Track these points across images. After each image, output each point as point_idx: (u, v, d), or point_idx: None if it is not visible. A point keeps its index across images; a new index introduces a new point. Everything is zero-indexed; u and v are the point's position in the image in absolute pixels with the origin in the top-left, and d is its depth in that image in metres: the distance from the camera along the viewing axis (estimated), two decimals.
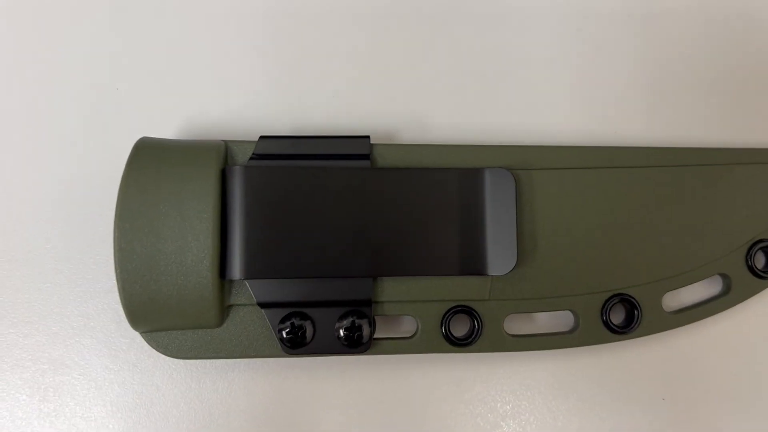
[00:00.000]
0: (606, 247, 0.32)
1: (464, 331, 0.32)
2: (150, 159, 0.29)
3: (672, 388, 0.34)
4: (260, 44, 0.35)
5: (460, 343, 0.31)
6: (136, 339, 0.32)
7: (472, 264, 0.30)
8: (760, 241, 0.33)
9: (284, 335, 0.30)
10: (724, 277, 0.33)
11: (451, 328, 0.31)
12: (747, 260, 0.33)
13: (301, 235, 0.29)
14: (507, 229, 0.30)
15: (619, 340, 0.32)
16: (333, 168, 0.30)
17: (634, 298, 0.32)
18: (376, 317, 0.31)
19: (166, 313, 0.29)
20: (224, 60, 0.35)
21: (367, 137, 0.31)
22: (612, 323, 0.32)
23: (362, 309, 0.30)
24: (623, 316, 0.33)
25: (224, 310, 0.30)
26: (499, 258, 0.30)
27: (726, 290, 0.33)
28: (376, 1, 0.36)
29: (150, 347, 0.30)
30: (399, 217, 0.30)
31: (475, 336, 0.31)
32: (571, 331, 0.32)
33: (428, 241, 0.30)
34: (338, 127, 0.34)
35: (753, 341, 0.34)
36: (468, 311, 0.31)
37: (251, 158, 0.30)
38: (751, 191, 0.33)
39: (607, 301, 0.32)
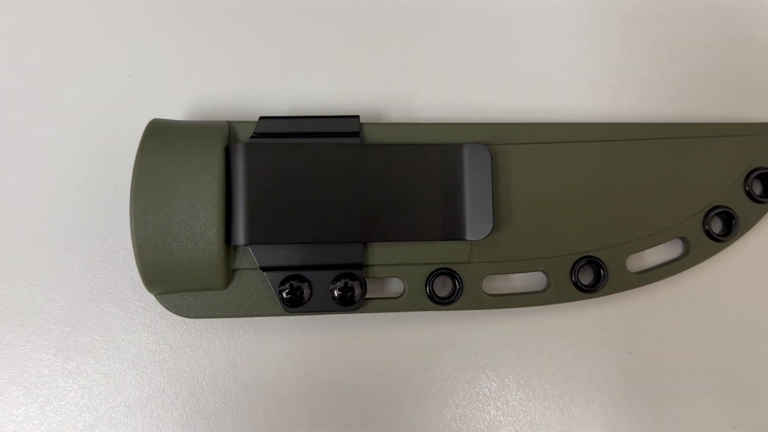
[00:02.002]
0: (575, 213, 0.35)
1: (447, 291, 0.35)
2: (161, 138, 0.32)
3: (637, 343, 0.37)
4: (260, 33, 0.38)
5: (443, 302, 0.34)
6: (150, 303, 0.35)
7: (453, 230, 0.33)
8: (716, 207, 0.36)
9: (284, 296, 0.33)
10: (684, 240, 0.36)
11: (434, 289, 0.34)
12: (704, 225, 0.36)
13: (297, 205, 0.33)
14: (484, 198, 0.33)
15: (587, 298, 0.35)
16: (326, 145, 0.33)
17: (600, 260, 0.35)
18: (367, 279, 0.34)
19: (178, 276, 0.32)
20: (228, 48, 0.38)
21: (357, 117, 0.34)
22: (581, 283, 0.35)
23: (354, 272, 0.33)
24: (591, 277, 0.36)
25: (230, 273, 0.33)
26: (477, 224, 0.33)
27: (685, 253, 0.36)
28: None
29: (163, 308, 0.33)
30: (386, 189, 0.33)
31: (457, 295, 0.34)
32: (543, 291, 0.36)
33: (413, 209, 0.33)
34: (332, 108, 0.37)
35: (710, 299, 0.37)
36: (450, 273, 0.34)
37: (252, 136, 0.34)
38: (707, 162, 0.36)
39: (576, 262, 0.35)
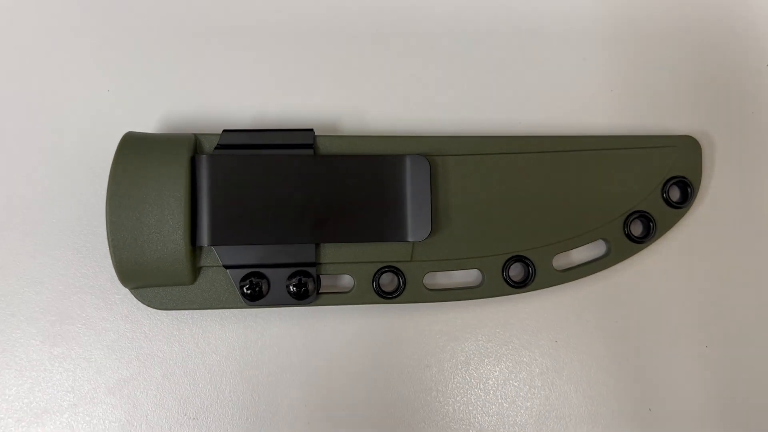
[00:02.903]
0: (506, 217, 0.39)
1: (392, 287, 0.39)
2: (134, 150, 0.36)
3: (563, 333, 0.41)
4: (226, 52, 0.42)
5: (388, 296, 0.38)
6: (127, 295, 0.39)
7: (396, 232, 0.37)
8: (636, 212, 0.40)
9: (245, 290, 0.37)
10: (606, 241, 0.40)
11: (381, 284, 0.38)
12: (624, 228, 0.40)
13: (256, 210, 0.36)
14: (423, 204, 0.37)
15: (517, 293, 0.39)
16: (282, 156, 0.37)
17: (529, 259, 0.39)
18: (320, 276, 0.38)
19: (149, 273, 0.36)
20: (197, 66, 0.42)
21: (311, 130, 0.38)
22: (511, 279, 0.39)
23: (308, 269, 0.37)
24: (521, 274, 0.40)
25: (196, 270, 0.37)
26: (418, 227, 0.37)
27: (607, 252, 0.40)
28: (325, 17, 0.43)
29: (137, 301, 0.37)
30: (336, 195, 0.37)
31: (400, 290, 0.38)
32: (478, 286, 0.39)
33: (360, 214, 0.37)
34: (291, 121, 0.41)
35: (629, 295, 0.42)
36: (394, 270, 0.38)
37: (216, 148, 0.37)
38: (629, 171, 0.40)
39: (507, 261, 0.39)
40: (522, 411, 0.41)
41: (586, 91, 0.43)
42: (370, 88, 0.42)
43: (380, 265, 0.38)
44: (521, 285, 0.39)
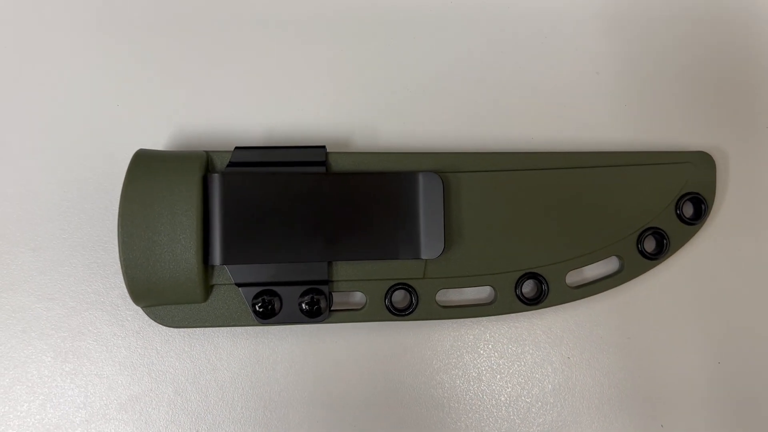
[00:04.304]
0: (519, 233, 0.39)
1: (404, 304, 0.39)
2: (145, 168, 0.36)
3: (575, 349, 0.41)
4: (237, 67, 0.42)
5: (401, 313, 0.38)
6: (138, 312, 0.39)
7: (409, 250, 0.37)
8: (650, 228, 0.40)
9: (257, 308, 0.37)
10: (619, 258, 0.40)
11: (393, 301, 0.38)
12: (638, 244, 0.40)
13: (268, 228, 0.36)
14: (436, 221, 0.37)
15: (530, 310, 0.39)
16: (295, 173, 0.37)
17: (542, 276, 0.39)
18: (333, 293, 0.38)
19: (161, 291, 0.36)
20: (208, 81, 0.42)
21: (323, 147, 0.38)
22: (524, 296, 0.39)
23: (320, 287, 0.37)
24: (534, 290, 0.40)
25: (208, 288, 0.37)
26: (430, 244, 0.37)
27: (620, 269, 0.40)
28: (334, 30, 0.42)
29: (149, 319, 0.37)
30: (349, 213, 0.37)
31: (413, 308, 0.38)
32: (491, 303, 0.39)
33: (372, 231, 0.37)
34: (303, 137, 0.41)
35: (642, 312, 0.41)
36: (407, 287, 0.38)
37: (228, 165, 0.37)
38: (642, 187, 0.40)
39: (520, 278, 0.39)
40: (534, 427, 0.41)
41: (599, 105, 0.42)
42: (383, 104, 0.42)
43: (393, 282, 0.38)
44: (534, 302, 0.39)
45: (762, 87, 0.43)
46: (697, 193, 0.40)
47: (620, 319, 0.41)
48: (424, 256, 0.37)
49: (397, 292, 0.38)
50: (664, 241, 0.40)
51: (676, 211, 0.40)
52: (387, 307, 0.38)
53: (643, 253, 0.40)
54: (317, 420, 0.40)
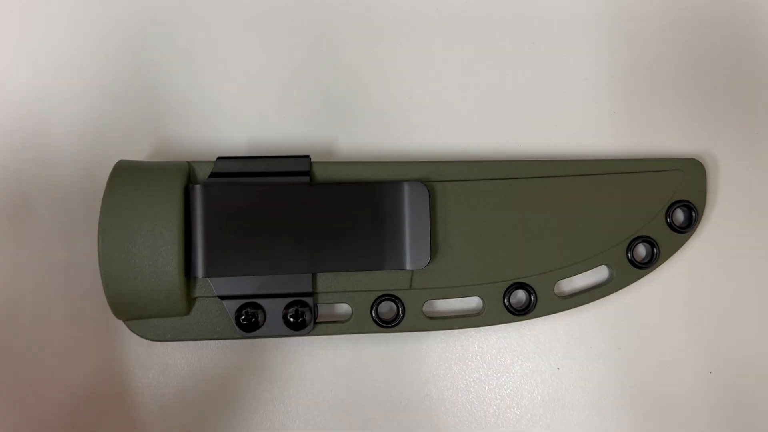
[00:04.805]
0: (507, 243, 0.38)
1: (390, 315, 0.38)
2: (126, 180, 0.35)
3: (565, 360, 0.40)
4: (219, 76, 0.41)
5: (387, 325, 0.38)
6: (121, 325, 0.38)
7: (395, 260, 0.37)
8: (639, 237, 0.39)
9: (240, 321, 0.36)
10: (609, 267, 0.40)
11: (379, 313, 0.38)
12: (627, 253, 0.39)
13: (252, 240, 0.36)
14: (422, 231, 0.37)
15: (518, 321, 0.39)
16: (278, 184, 0.36)
17: (530, 286, 0.38)
18: (318, 305, 0.37)
19: (142, 305, 0.35)
20: (190, 91, 0.41)
21: (307, 156, 0.37)
22: (512, 307, 0.38)
23: (305, 299, 0.37)
24: (523, 300, 0.39)
25: (190, 301, 0.36)
26: (417, 255, 0.37)
27: (610, 279, 0.40)
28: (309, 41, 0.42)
29: (132, 332, 0.37)
30: (333, 224, 0.36)
31: (399, 319, 0.38)
32: (478, 314, 0.39)
33: (358, 242, 0.36)
34: (286, 146, 0.41)
35: (631, 321, 0.41)
36: (393, 299, 0.38)
37: (210, 176, 0.37)
38: (632, 195, 0.39)
39: (508, 288, 0.38)
40: None
41: (587, 112, 0.42)
42: (368, 112, 0.41)
43: (379, 294, 0.38)
44: (522, 312, 0.38)
45: (752, 92, 0.43)
46: (688, 201, 0.39)
47: (610, 328, 0.41)
48: (410, 267, 0.37)
49: (383, 304, 0.38)
50: (654, 250, 0.39)
51: (666, 219, 0.39)
52: (373, 319, 0.38)
53: (632, 262, 0.39)
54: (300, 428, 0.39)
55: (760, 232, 0.42)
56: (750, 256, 0.41)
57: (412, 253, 0.37)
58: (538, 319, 0.39)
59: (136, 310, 0.35)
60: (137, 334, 0.37)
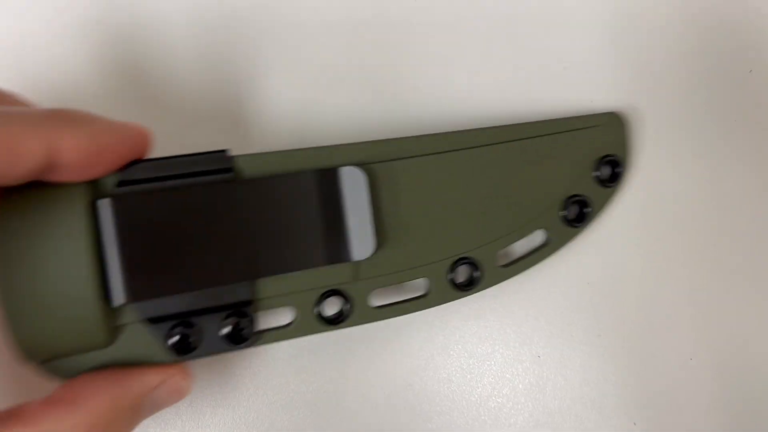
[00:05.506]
0: (448, 219, 0.37)
1: (336, 311, 0.36)
2: (19, 204, 0.29)
3: (546, 348, 0.41)
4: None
5: (333, 322, 0.35)
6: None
7: (337, 253, 0.34)
8: (571, 196, 0.39)
9: (172, 344, 0.32)
10: (545, 230, 0.39)
11: (324, 311, 0.35)
12: (561, 214, 0.39)
13: (176, 253, 0.32)
14: (363, 218, 0.34)
15: (465, 296, 0.37)
16: (197, 185, 0.32)
17: (473, 259, 0.37)
18: (259, 313, 0.34)
19: (58, 343, 0.30)
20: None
21: (224, 151, 0.33)
22: (457, 283, 0.37)
23: (243, 309, 0.33)
24: (467, 275, 0.38)
25: (113, 330, 0.32)
26: (360, 244, 0.34)
27: (547, 242, 0.39)
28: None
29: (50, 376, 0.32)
30: (266, 222, 0.33)
31: (345, 314, 0.35)
32: (425, 295, 0.37)
33: (295, 239, 0.33)
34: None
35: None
36: (338, 293, 0.35)
37: (119, 185, 0.31)
38: (557, 156, 0.39)
39: (451, 265, 0.37)
40: (506, 428, 0.40)
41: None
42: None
43: (323, 290, 0.35)
44: (467, 286, 0.37)
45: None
46: (613, 155, 0.40)
47: (590, 317, 0.41)
48: (355, 258, 0.34)
49: (329, 300, 0.35)
50: (586, 208, 0.39)
51: (594, 175, 0.39)
52: (317, 318, 0.35)
53: (567, 222, 0.39)
54: (284, 424, 0.38)
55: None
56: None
57: (356, 243, 0.34)
58: (518, 307, 0.40)
59: (50, 350, 0.30)
60: (57, 376, 0.31)
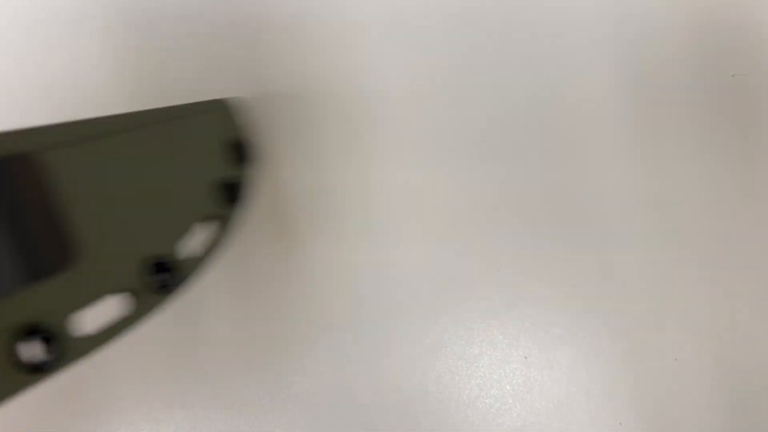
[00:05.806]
0: (127, 218, 0.32)
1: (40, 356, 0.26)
2: None
3: (532, 349, 0.41)
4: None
5: (36, 372, 0.26)
6: None
7: (18, 273, 0.26)
8: (221, 181, 0.37)
9: None
10: (206, 217, 0.36)
11: (22, 357, 0.25)
12: (214, 198, 0.37)
13: None
14: (35, 224, 0.27)
15: (166, 297, 0.32)
16: None
17: (163, 257, 0.33)
18: None
19: None
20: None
21: None
22: (158, 286, 0.32)
23: None
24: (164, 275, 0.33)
25: None
26: (44, 258, 0.27)
27: (218, 229, 0.37)
28: None
29: None
30: None
31: (53, 356, 0.26)
32: (132, 312, 0.31)
33: None
34: None
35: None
36: (38, 330, 0.26)
37: None
38: (191, 143, 0.37)
39: (147, 267, 0.32)
40: (494, 428, 0.40)
41: None
42: None
43: (16, 328, 0.25)
44: (168, 287, 0.32)
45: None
46: (238, 140, 0.40)
47: (576, 319, 0.41)
48: (35, 278, 0.26)
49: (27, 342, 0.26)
50: (234, 189, 0.38)
51: (227, 159, 0.39)
52: (14, 367, 0.25)
53: (221, 205, 0.37)
54: (273, 425, 0.39)
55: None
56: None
57: (34, 257, 0.26)
58: (509, 309, 0.40)
59: None
60: None
